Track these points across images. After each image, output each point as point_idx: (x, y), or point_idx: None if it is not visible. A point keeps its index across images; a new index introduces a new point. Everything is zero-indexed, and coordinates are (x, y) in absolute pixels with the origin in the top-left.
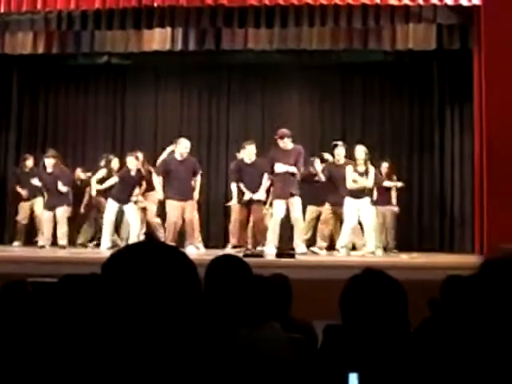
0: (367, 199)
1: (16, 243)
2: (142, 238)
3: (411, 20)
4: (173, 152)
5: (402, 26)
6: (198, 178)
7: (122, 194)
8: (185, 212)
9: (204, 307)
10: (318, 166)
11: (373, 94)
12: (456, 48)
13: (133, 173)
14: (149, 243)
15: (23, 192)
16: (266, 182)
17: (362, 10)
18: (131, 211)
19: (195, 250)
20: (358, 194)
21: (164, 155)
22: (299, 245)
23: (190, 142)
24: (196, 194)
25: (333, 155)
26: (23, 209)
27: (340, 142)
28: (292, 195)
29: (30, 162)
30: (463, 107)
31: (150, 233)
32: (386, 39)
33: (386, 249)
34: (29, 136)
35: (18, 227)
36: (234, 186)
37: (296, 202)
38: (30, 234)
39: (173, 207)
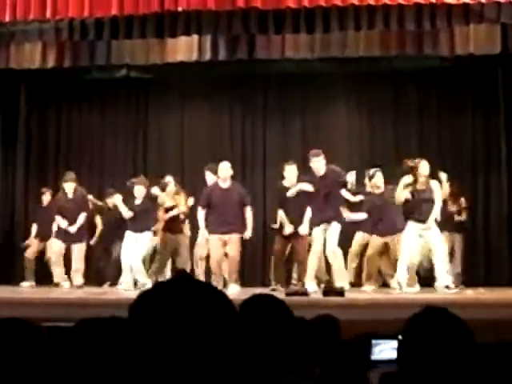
0: (433, 223)
1: (26, 283)
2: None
3: (472, 20)
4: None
5: (461, 28)
6: (248, 209)
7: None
8: (227, 247)
9: (244, 354)
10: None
11: (429, 104)
12: None
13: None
14: (181, 281)
15: (36, 230)
16: (309, 212)
17: (415, 10)
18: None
19: (238, 288)
20: (422, 217)
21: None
22: (338, 281)
23: (228, 163)
24: (248, 231)
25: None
26: (34, 244)
27: (378, 169)
28: (329, 220)
29: (47, 197)
30: None
31: (182, 269)
32: (444, 43)
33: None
34: (38, 161)
35: (26, 264)
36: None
37: (333, 230)
38: (41, 273)
39: (215, 243)
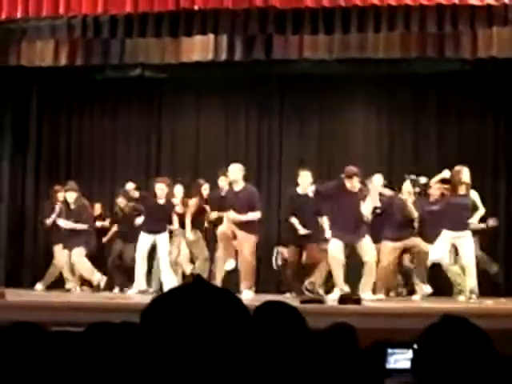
0: (468, 232)
1: (40, 286)
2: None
3: (495, 23)
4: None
5: (484, 30)
6: (256, 214)
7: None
8: (239, 250)
9: (256, 361)
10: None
11: (450, 109)
12: None
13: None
14: (196, 286)
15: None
16: (326, 222)
17: (436, 11)
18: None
19: (252, 295)
20: (456, 224)
21: None
22: (365, 291)
23: (239, 165)
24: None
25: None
26: (60, 252)
27: (413, 177)
28: (359, 237)
29: (61, 195)
30: None
31: (197, 274)
32: (466, 46)
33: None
34: (49, 163)
35: (51, 271)
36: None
37: (367, 242)
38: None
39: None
